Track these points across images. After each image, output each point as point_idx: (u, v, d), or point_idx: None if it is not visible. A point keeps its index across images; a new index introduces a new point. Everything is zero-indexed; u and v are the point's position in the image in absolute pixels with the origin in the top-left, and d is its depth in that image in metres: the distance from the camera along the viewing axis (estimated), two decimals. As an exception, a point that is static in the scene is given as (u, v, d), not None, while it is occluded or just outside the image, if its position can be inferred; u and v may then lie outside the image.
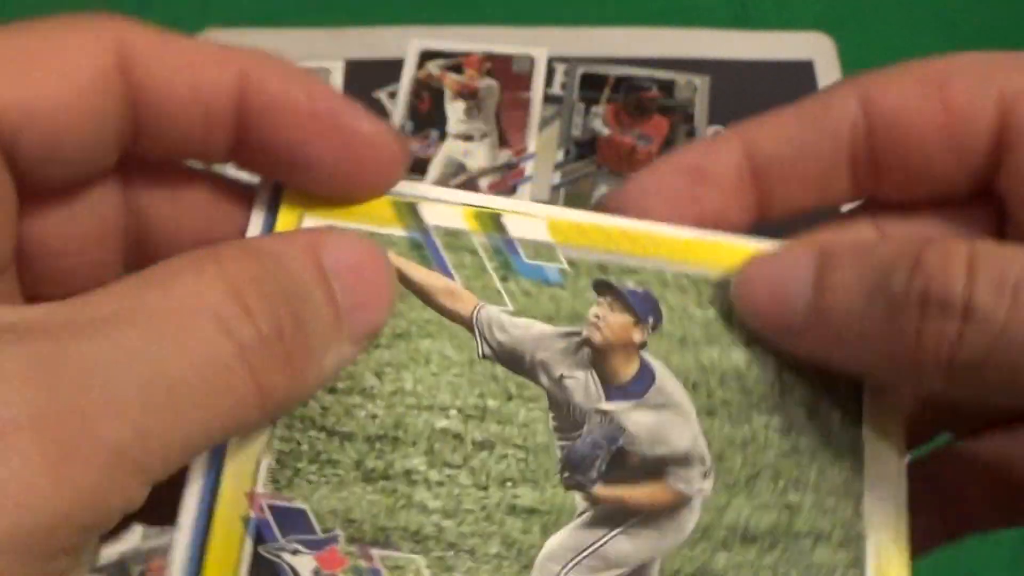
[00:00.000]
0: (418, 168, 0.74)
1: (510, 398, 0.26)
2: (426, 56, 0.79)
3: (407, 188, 0.26)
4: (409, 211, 0.26)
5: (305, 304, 0.22)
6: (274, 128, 0.24)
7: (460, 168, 0.75)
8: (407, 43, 0.80)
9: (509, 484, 0.25)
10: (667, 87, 0.77)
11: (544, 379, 0.26)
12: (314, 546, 0.24)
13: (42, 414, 0.18)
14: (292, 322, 0.21)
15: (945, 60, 0.27)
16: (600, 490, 0.25)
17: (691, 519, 0.25)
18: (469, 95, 0.78)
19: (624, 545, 0.25)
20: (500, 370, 0.26)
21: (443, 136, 0.76)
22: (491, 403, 0.25)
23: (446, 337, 0.26)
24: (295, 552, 0.24)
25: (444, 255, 0.26)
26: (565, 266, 0.26)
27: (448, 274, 0.26)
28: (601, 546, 0.25)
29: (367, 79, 0.79)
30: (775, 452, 0.26)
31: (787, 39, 0.81)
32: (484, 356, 0.26)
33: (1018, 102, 0.25)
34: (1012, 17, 0.82)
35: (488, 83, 0.78)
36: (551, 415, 0.26)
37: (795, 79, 0.79)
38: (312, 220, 0.26)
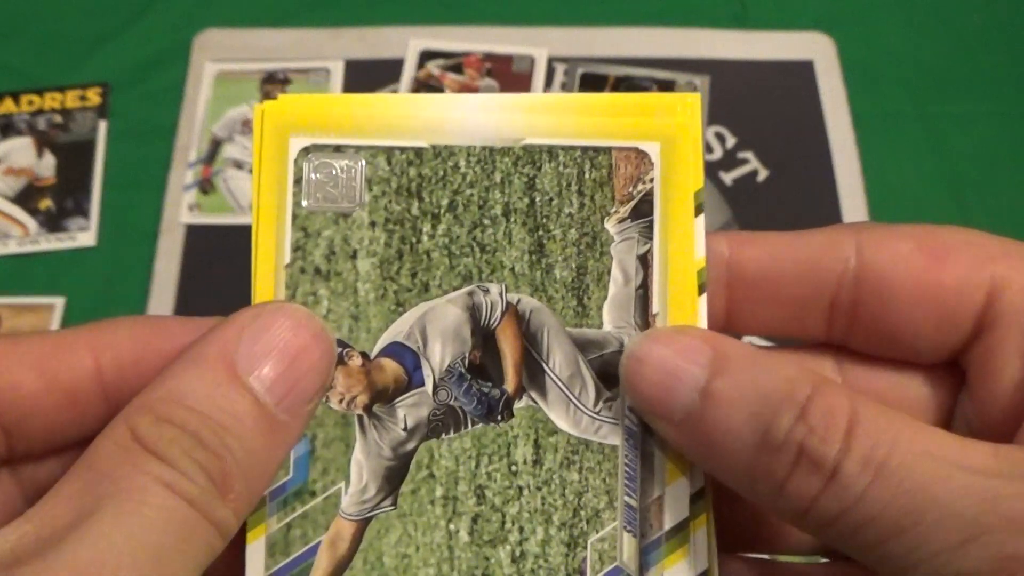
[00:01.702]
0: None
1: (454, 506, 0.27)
2: (426, 56, 0.78)
3: None
4: None
5: (225, 432, 0.23)
6: (142, 385, 0.25)
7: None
8: (407, 43, 0.79)
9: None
10: (667, 87, 0.75)
11: (410, 446, 0.27)
12: None
13: None
14: (216, 463, 0.23)
15: (945, 232, 0.27)
16: (509, 385, 0.27)
17: (531, 302, 0.27)
18: (469, 95, 0.77)
19: (559, 359, 0.27)
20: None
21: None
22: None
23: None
24: None
25: None
26: None
27: None
28: (563, 383, 0.27)
29: (367, 79, 0.78)
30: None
31: (787, 39, 0.79)
32: (395, 505, 0.27)
33: (1006, 289, 0.26)
34: (1012, 17, 0.82)
35: (488, 83, 0.77)
36: (445, 438, 0.27)
37: (795, 79, 0.77)
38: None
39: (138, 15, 0.81)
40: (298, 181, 0.27)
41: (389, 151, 0.27)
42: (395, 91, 0.77)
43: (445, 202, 0.27)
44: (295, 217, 0.27)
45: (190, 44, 0.79)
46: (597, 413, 0.27)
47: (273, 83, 0.78)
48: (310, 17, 0.81)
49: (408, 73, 0.78)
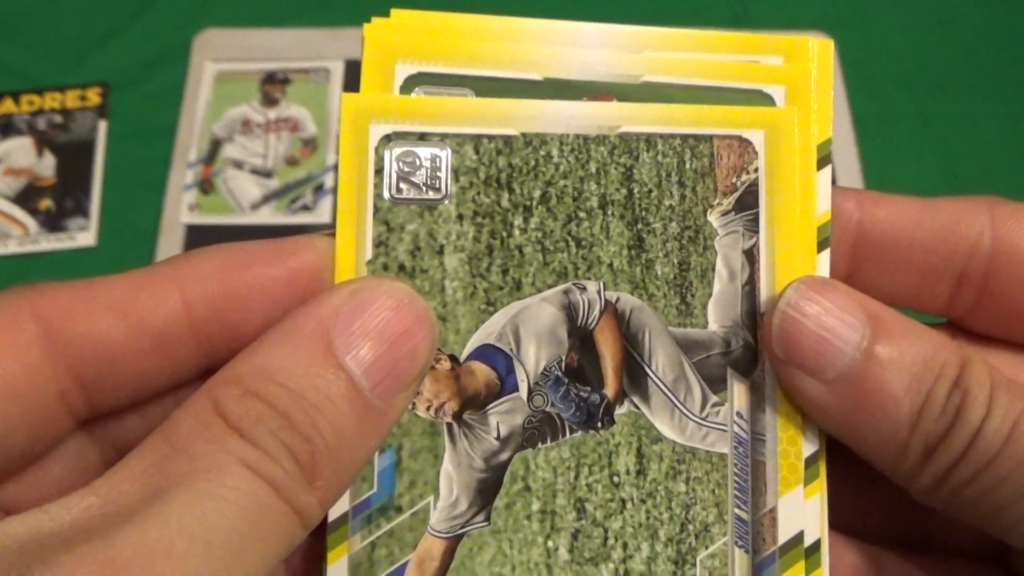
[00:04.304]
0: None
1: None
2: (426, 56, 0.79)
3: None
4: None
5: (318, 415, 0.21)
6: (235, 314, 0.23)
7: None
8: (407, 43, 0.80)
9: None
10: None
11: (504, 456, 0.25)
12: None
13: None
14: (306, 447, 0.21)
15: None
16: (609, 390, 0.25)
17: (632, 300, 0.25)
18: (469, 95, 0.77)
19: (662, 361, 0.25)
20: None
21: (443, 136, 0.75)
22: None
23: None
24: None
25: None
26: None
27: None
28: (667, 386, 0.25)
29: (367, 79, 0.79)
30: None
31: (787, 39, 0.81)
32: (481, 521, 0.25)
33: None
34: (1012, 17, 0.82)
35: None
36: (541, 447, 0.25)
37: (795, 79, 0.79)
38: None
39: (138, 15, 0.80)
40: (379, 171, 0.25)
41: (476, 139, 0.25)
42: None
43: (537, 194, 0.25)
44: (377, 210, 0.25)
45: (190, 44, 0.79)
46: (704, 419, 0.25)
47: (273, 83, 0.78)
48: (310, 17, 0.81)
49: (408, 73, 0.78)
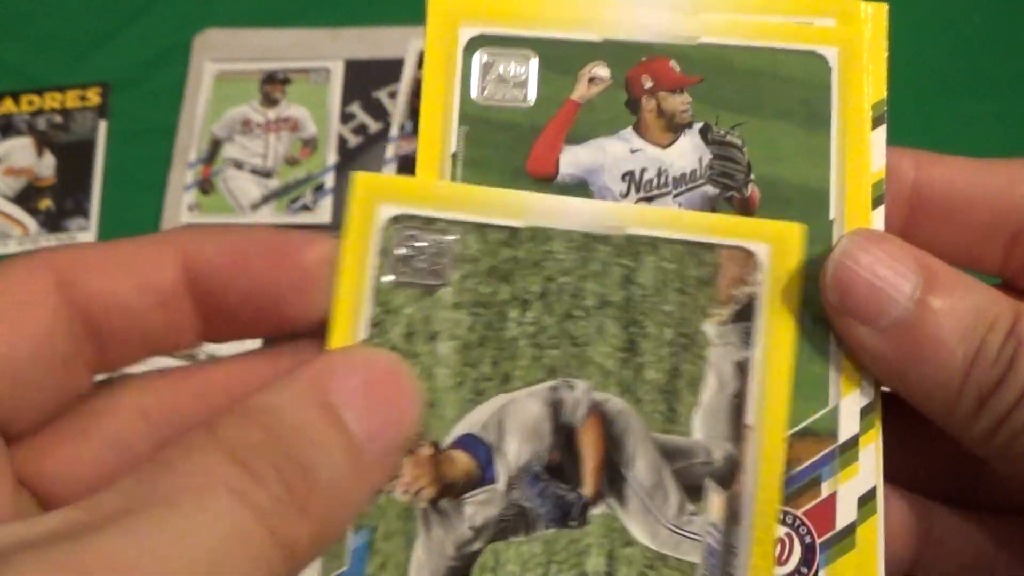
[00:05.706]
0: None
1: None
2: (426, 56, 0.79)
3: None
4: None
5: (314, 449, 0.21)
6: (230, 288, 0.24)
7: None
8: (407, 43, 0.77)
9: None
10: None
11: (475, 546, 0.25)
12: None
13: None
14: (300, 475, 0.21)
15: None
16: (587, 490, 0.25)
17: (618, 403, 0.25)
18: (469, 95, 0.77)
19: (641, 467, 0.25)
20: None
21: (443, 136, 0.75)
22: None
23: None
24: None
25: None
26: None
27: None
28: (644, 492, 0.25)
29: (367, 79, 0.77)
30: None
31: (787, 39, 0.81)
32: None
33: None
34: (1012, 17, 0.82)
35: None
36: (513, 541, 0.25)
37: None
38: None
39: (138, 15, 0.80)
40: (384, 252, 0.25)
41: (482, 228, 0.25)
42: (394, 92, 0.77)
43: (536, 288, 0.25)
44: (377, 291, 0.25)
45: (190, 44, 0.79)
46: (678, 526, 0.25)
47: (273, 83, 0.78)
48: (310, 17, 0.80)
49: (408, 73, 0.78)
